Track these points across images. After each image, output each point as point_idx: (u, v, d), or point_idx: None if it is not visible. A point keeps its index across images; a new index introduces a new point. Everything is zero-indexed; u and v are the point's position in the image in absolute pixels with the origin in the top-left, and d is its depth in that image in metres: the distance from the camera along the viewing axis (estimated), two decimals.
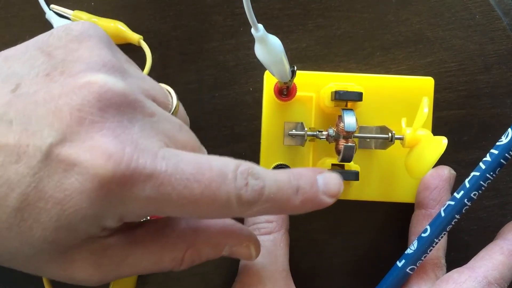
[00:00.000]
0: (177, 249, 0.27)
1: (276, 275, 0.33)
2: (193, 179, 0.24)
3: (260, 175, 0.26)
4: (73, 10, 0.37)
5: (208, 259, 0.29)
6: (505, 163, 0.31)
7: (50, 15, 0.37)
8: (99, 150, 0.23)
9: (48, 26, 0.37)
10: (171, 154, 0.24)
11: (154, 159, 0.23)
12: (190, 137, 0.28)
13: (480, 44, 0.38)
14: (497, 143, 0.31)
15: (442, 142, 0.31)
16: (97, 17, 0.37)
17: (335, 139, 0.34)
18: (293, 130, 0.36)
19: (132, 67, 0.28)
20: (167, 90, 0.30)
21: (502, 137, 0.31)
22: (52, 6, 0.38)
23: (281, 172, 0.27)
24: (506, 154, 0.31)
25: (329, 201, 0.28)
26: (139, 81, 0.27)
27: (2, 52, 0.26)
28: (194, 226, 0.28)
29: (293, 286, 0.34)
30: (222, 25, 0.38)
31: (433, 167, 0.33)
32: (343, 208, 0.38)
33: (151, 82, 0.28)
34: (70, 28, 0.26)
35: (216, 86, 0.38)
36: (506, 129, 0.31)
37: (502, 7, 0.38)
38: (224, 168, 0.25)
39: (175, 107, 0.29)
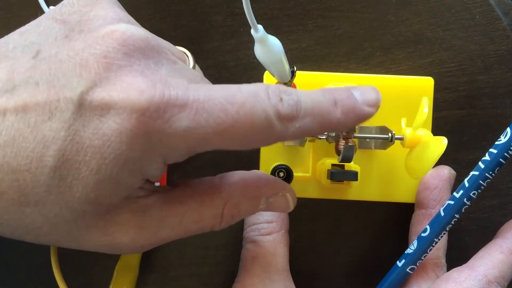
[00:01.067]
0: (215, 205, 0.27)
1: (276, 275, 0.33)
2: (226, 101, 0.23)
3: (292, 92, 0.25)
4: None
5: (247, 215, 0.29)
6: (504, 162, 0.31)
7: None
8: (131, 88, 0.22)
9: None
10: (199, 86, 0.24)
11: (185, 91, 0.23)
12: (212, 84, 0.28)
13: (480, 44, 0.38)
14: (496, 143, 0.31)
15: (442, 142, 0.31)
16: None
17: (335, 139, 0.34)
18: None
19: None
20: (183, 51, 0.30)
21: (501, 136, 0.31)
22: (52, 7, 0.38)
23: (313, 90, 0.26)
24: (505, 153, 0.31)
25: (370, 110, 0.27)
26: (157, 37, 0.27)
27: (18, 29, 0.26)
28: (229, 182, 0.28)
29: (293, 286, 0.34)
30: (222, 25, 0.38)
31: (433, 167, 0.33)
32: (343, 208, 0.38)
33: (166, 41, 0.28)
34: None
35: None
36: (506, 129, 0.31)
37: (502, 7, 0.38)
38: (254, 89, 0.24)
39: (193, 66, 0.30)
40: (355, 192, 0.37)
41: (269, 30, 0.29)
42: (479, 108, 0.38)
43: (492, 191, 0.38)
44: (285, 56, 0.30)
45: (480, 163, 0.32)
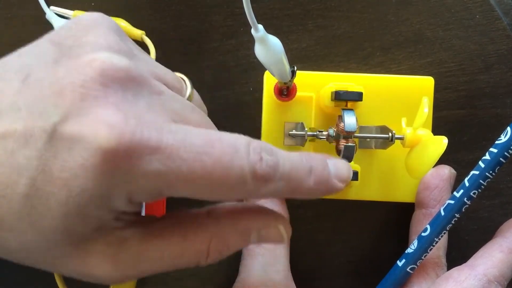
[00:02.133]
0: (199, 240, 0.26)
1: (277, 275, 0.33)
2: (203, 151, 0.23)
3: (273, 152, 0.25)
4: (73, 10, 0.37)
5: (236, 249, 0.27)
6: (504, 161, 0.31)
7: (50, 16, 0.37)
8: (102, 123, 0.22)
9: (48, 26, 0.37)
10: (178, 128, 0.23)
11: (160, 132, 0.23)
12: (203, 118, 0.28)
13: (480, 44, 0.38)
14: (496, 142, 0.31)
15: (442, 142, 0.31)
16: None
17: (335, 139, 0.34)
18: (293, 130, 0.36)
19: (142, 54, 0.27)
20: (181, 78, 0.29)
21: (501, 135, 0.31)
22: (52, 7, 0.38)
23: (293, 153, 0.26)
24: (505, 153, 0.31)
25: (341, 185, 0.27)
26: (148, 65, 0.26)
27: (19, 49, 0.26)
28: (216, 214, 0.27)
29: (293, 286, 0.34)
30: (222, 25, 0.38)
31: (433, 167, 0.33)
32: (343, 208, 0.38)
33: (164, 68, 0.28)
34: (80, 18, 0.26)
35: (216, 86, 0.38)
36: (506, 129, 0.31)
37: (502, 7, 0.38)
38: (236, 142, 0.24)
39: (189, 94, 0.29)
40: (355, 192, 0.37)
41: (269, 30, 0.29)
42: (479, 108, 0.38)
43: (492, 190, 0.38)
44: (285, 56, 0.30)
45: (480, 163, 0.32)
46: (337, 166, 0.27)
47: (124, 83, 0.23)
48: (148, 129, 0.22)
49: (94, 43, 0.24)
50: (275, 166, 0.24)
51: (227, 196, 0.25)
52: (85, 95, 0.22)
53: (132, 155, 0.22)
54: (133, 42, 0.27)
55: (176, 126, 0.24)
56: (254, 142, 0.25)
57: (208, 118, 0.28)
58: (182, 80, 0.29)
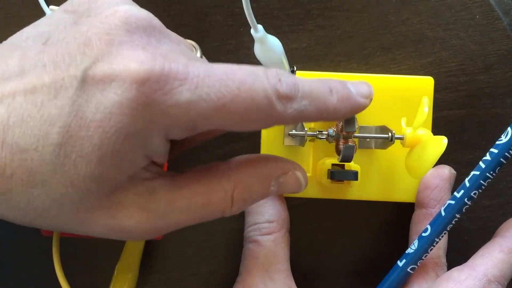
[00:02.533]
0: (224, 188, 0.27)
1: (278, 275, 0.33)
2: (226, 78, 0.24)
3: (291, 75, 0.26)
4: None
5: (259, 198, 0.28)
6: (505, 162, 0.31)
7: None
8: (131, 60, 0.23)
9: None
10: (200, 63, 0.24)
11: (186, 65, 0.24)
12: None
13: (480, 44, 0.38)
14: (497, 142, 0.31)
15: (442, 142, 0.31)
16: None
17: (335, 139, 0.34)
18: (293, 130, 0.36)
19: None
20: (192, 44, 0.31)
21: (502, 136, 0.31)
22: (51, 7, 0.38)
23: (309, 78, 0.27)
24: (506, 153, 0.31)
25: (364, 101, 0.28)
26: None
27: (32, 23, 0.27)
28: (237, 164, 0.28)
29: (294, 286, 0.34)
30: (222, 25, 0.38)
31: (433, 167, 0.33)
32: (343, 208, 0.38)
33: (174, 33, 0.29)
34: None
35: None
36: (506, 129, 0.31)
37: (502, 7, 0.38)
38: (254, 70, 0.25)
39: (201, 55, 0.30)
40: (355, 191, 0.37)
41: (269, 30, 0.29)
42: (479, 108, 0.38)
43: (492, 191, 0.38)
44: (285, 56, 0.30)
45: (481, 163, 0.32)
46: (356, 85, 0.28)
47: (147, 30, 0.25)
48: (175, 63, 0.23)
49: (110, 1, 0.25)
50: (295, 85, 0.25)
51: (258, 120, 0.25)
52: (112, 41, 0.23)
53: (163, 86, 0.23)
54: None
55: (197, 62, 0.25)
56: (271, 69, 0.26)
57: None
58: (192, 46, 0.31)
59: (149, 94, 0.23)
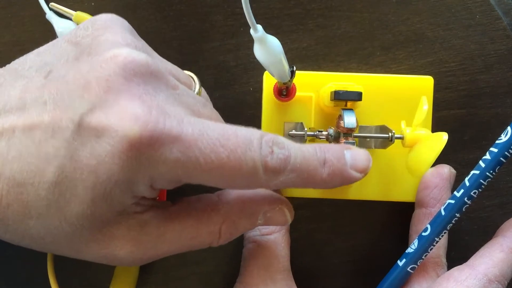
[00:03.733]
0: (213, 222, 0.28)
1: (278, 275, 0.33)
2: (219, 144, 0.25)
3: (285, 145, 0.26)
4: (73, 10, 0.37)
5: (245, 231, 0.29)
6: (504, 161, 0.31)
7: (50, 15, 0.37)
8: (127, 113, 0.23)
9: (48, 26, 0.37)
10: (196, 121, 0.25)
11: (181, 123, 0.24)
12: (214, 113, 0.29)
13: (480, 44, 0.38)
14: (497, 141, 0.31)
15: (442, 138, 0.31)
16: None
17: (335, 138, 0.34)
18: (293, 130, 0.36)
19: (154, 53, 0.29)
20: (190, 75, 0.31)
21: (502, 135, 0.31)
22: (51, 4, 0.38)
23: (307, 145, 0.27)
24: (506, 152, 0.31)
25: (358, 176, 0.28)
26: (163, 62, 0.28)
27: (36, 50, 0.27)
28: (227, 199, 0.29)
29: (294, 286, 0.34)
30: (222, 25, 0.38)
31: (433, 166, 0.33)
32: (343, 208, 0.38)
33: (174, 65, 0.29)
34: (95, 19, 0.27)
35: (216, 86, 0.38)
36: (506, 128, 0.31)
37: (502, 7, 0.38)
38: (249, 136, 0.25)
39: (198, 91, 0.30)
40: (355, 191, 0.37)
41: (269, 29, 0.29)
42: (479, 108, 0.38)
43: (492, 190, 0.38)
44: (285, 56, 0.30)
45: (481, 162, 0.32)
46: (355, 156, 0.28)
47: (145, 77, 0.25)
48: (169, 120, 0.24)
49: (112, 40, 0.26)
50: (286, 159, 0.26)
51: (240, 185, 0.26)
52: (110, 88, 0.24)
53: (155, 143, 0.24)
54: (143, 41, 0.28)
55: (193, 118, 0.25)
56: (267, 136, 0.26)
57: (217, 113, 0.30)
58: (191, 78, 0.31)
59: (139, 150, 0.23)
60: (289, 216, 0.30)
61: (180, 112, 0.25)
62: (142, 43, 0.28)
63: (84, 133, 0.23)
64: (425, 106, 0.33)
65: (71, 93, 0.24)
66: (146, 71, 0.25)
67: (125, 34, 0.27)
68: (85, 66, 0.25)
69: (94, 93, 0.24)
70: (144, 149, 0.23)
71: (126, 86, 0.24)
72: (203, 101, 0.29)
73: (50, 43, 0.28)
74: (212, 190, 0.28)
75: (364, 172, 0.29)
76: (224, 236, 0.28)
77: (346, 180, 0.28)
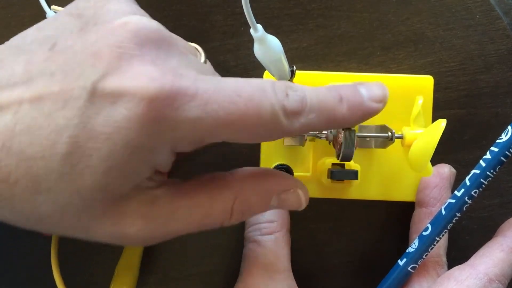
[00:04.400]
0: (225, 199, 0.27)
1: (279, 275, 0.33)
2: (235, 94, 0.24)
3: (298, 88, 0.26)
4: None
5: (258, 212, 0.29)
6: (505, 160, 0.31)
7: (50, 15, 0.37)
8: (142, 76, 0.23)
9: None
10: (209, 78, 0.25)
11: (196, 81, 0.24)
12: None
13: (480, 44, 0.38)
14: (497, 141, 0.31)
15: (440, 124, 0.31)
16: None
17: (334, 136, 0.34)
18: None
19: None
20: (195, 47, 0.30)
21: (502, 134, 0.31)
22: (53, 7, 0.38)
23: (319, 87, 0.27)
24: (506, 152, 0.31)
25: (377, 105, 0.27)
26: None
27: (35, 25, 0.26)
28: (240, 176, 0.28)
29: (295, 286, 0.34)
30: (222, 25, 0.38)
31: (433, 166, 0.33)
32: (343, 208, 0.38)
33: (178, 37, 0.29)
34: None
35: None
36: (507, 128, 0.31)
37: (502, 7, 0.38)
38: (262, 84, 0.25)
39: (204, 61, 0.30)
40: (355, 191, 0.37)
41: (269, 29, 0.29)
42: (479, 108, 0.38)
43: (493, 190, 0.38)
44: (285, 55, 0.30)
45: (481, 162, 0.32)
46: (369, 88, 0.28)
47: (157, 42, 0.25)
48: (184, 79, 0.24)
49: (118, 9, 0.25)
50: (302, 100, 0.25)
51: (263, 135, 0.26)
52: (122, 54, 0.23)
53: (173, 103, 0.23)
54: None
55: (206, 76, 0.25)
56: (279, 82, 0.26)
57: None
58: (196, 49, 0.30)
59: (158, 110, 0.23)
60: (304, 200, 0.30)
61: (192, 73, 0.25)
62: (146, 14, 0.27)
63: (98, 100, 0.23)
64: (420, 101, 0.33)
65: (81, 63, 0.23)
66: (158, 37, 0.25)
67: (129, 3, 0.26)
68: (93, 35, 0.24)
69: (106, 60, 0.23)
70: (162, 109, 0.23)
71: (139, 52, 0.24)
72: (212, 70, 0.29)
73: (50, 17, 0.27)
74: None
75: (383, 101, 0.28)
76: (236, 214, 0.27)
77: (367, 112, 0.27)
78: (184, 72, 0.24)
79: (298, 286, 0.34)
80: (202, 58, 0.30)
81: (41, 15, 0.37)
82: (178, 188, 0.27)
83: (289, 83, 0.26)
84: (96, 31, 0.24)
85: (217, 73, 0.30)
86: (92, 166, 0.23)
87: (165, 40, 0.25)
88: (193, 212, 0.26)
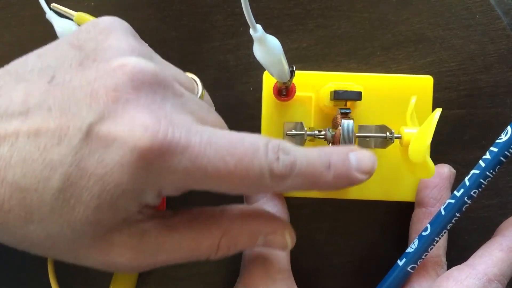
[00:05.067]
0: (212, 236, 0.28)
1: (278, 275, 0.33)
2: (227, 152, 0.25)
3: (291, 151, 0.26)
4: (73, 10, 0.37)
5: (243, 249, 0.29)
6: (504, 160, 0.31)
7: (50, 15, 0.37)
8: (137, 124, 0.23)
9: (48, 26, 0.37)
10: (203, 129, 0.25)
11: (189, 132, 0.24)
12: (218, 118, 0.30)
13: (480, 44, 0.38)
14: (497, 141, 0.31)
15: (436, 113, 0.30)
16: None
17: (332, 135, 0.34)
18: (293, 130, 0.36)
19: (157, 56, 0.29)
20: (192, 78, 0.31)
21: (502, 134, 0.31)
22: (53, 5, 0.38)
23: (312, 149, 0.27)
24: (506, 152, 0.31)
25: (363, 177, 0.28)
26: (166, 66, 0.28)
27: (35, 51, 0.27)
28: (229, 214, 0.29)
29: (294, 286, 0.34)
30: (222, 25, 0.38)
31: (434, 165, 0.33)
32: (343, 208, 0.38)
33: (176, 69, 0.29)
34: (97, 22, 0.27)
35: (216, 86, 0.38)
36: (506, 128, 0.31)
37: (502, 7, 0.38)
38: (255, 143, 0.25)
39: (201, 94, 0.30)
40: (355, 191, 0.37)
41: (269, 29, 0.29)
42: (479, 108, 0.38)
43: (492, 190, 0.38)
44: (284, 56, 0.30)
45: (481, 162, 0.32)
46: (359, 158, 0.28)
47: (152, 86, 0.25)
48: (178, 129, 0.24)
49: (117, 47, 0.26)
50: (292, 165, 0.26)
51: (246, 190, 0.27)
52: (118, 98, 0.24)
53: (164, 153, 0.24)
54: (146, 44, 0.28)
55: (201, 127, 0.25)
56: (273, 141, 0.26)
57: (221, 118, 0.30)
58: (193, 81, 0.31)
59: (149, 160, 0.23)
60: (289, 242, 0.30)
61: (187, 120, 0.25)
62: (146, 47, 0.28)
63: (92, 142, 0.23)
64: (413, 100, 0.33)
65: (77, 101, 0.24)
66: (154, 80, 0.25)
67: (129, 40, 0.26)
68: (91, 73, 0.25)
69: (102, 102, 0.24)
70: (153, 159, 0.23)
71: (135, 96, 0.24)
72: (207, 107, 0.29)
73: (51, 44, 0.27)
74: (214, 198, 0.28)
75: (369, 173, 0.28)
76: (222, 250, 0.28)
77: (351, 182, 0.28)
78: (178, 119, 0.25)
79: (298, 286, 0.34)
80: (199, 91, 0.30)
81: (41, 15, 0.38)
82: (167, 222, 0.27)
83: (283, 143, 0.26)
84: (94, 69, 0.25)
85: (212, 109, 0.30)
86: (84, 202, 0.24)
87: (161, 83, 0.25)
88: (181, 246, 0.27)
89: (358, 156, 0.28)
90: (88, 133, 0.23)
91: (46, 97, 0.24)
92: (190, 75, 0.31)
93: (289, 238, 0.30)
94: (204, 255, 0.28)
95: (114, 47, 0.26)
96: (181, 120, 0.25)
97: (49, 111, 0.24)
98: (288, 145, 0.27)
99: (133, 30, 0.28)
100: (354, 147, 0.29)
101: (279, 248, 0.30)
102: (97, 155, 0.23)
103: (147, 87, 0.25)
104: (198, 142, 0.24)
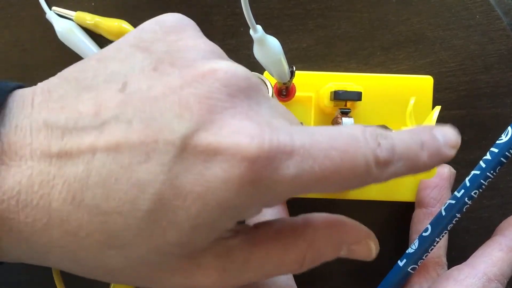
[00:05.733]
0: (298, 249, 0.25)
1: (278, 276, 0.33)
2: (330, 147, 0.22)
3: (387, 135, 0.24)
4: (73, 10, 0.37)
5: (326, 260, 0.27)
6: (505, 161, 0.31)
7: (50, 15, 0.37)
8: (241, 134, 0.21)
9: (48, 26, 0.37)
10: (301, 129, 0.23)
11: (291, 135, 0.22)
12: (293, 115, 0.28)
13: (480, 44, 0.38)
14: (497, 142, 0.31)
15: (435, 110, 0.30)
16: (100, 17, 0.37)
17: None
18: None
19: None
20: (260, 78, 0.29)
21: (502, 135, 0.31)
22: (54, 8, 0.38)
23: (402, 131, 0.26)
24: (506, 153, 0.31)
25: (452, 152, 0.26)
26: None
27: (93, 55, 0.24)
28: (312, 224, 0.26)
29: (294, 286, 0.34)
30: (222, 25, 0.38)
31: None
32: (343, 208, 0.38)
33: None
34: (162, 20, 0.25)
35: None
36: (507, 128, 0.31)
37: (502, 7, 0.38)
38: (353, 133, 0.23)
39: (272, 95, 0.29)
40: (355, 191, 0.37)
41: (269, 30, 0.29)
42: (479, 108, 0.38)
43: (492, 190, 0.38)
44: (284, 56, 0.30)
45: (481, 162, 0.32)
46: (445, 133, 0.26)
47: (247, 92, 0.23)
48: (282, 134, 0.22)
49: (196, 48, 0.24)
50: (392, 149, 0.24)
51: (352, 185, 0.24)
52: (213, 107, 0.22)
53: (272, 162, 0.21)
54: None
55: (297, 128, 0.23)
56: (369, 128, 0.24)
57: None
58: (263, 81, 0.29)
59: (258, 172, 0.21)
60: (374, 252, 0.28)
61: (284, 123, 0.23)
62: (217, 46, 0.25)
63: (189, 157, 0.21)
64: (412, 101, 0.33)
65: (163, 111, 0.21)
66: (248, 85, 0.23)
67: (204, 39, 0.24)
68: (175, 79, 0.22)
69: (195, 112, 0.21)
70: (262, 171, 0.21)
71: (231, 104, 0.22)
72: (284, 107, 0.27)
73: (110, 47, 0.24)
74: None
75: (456, 148, 0.26)
76: (307, 264, 0.26)
77: (443, 159, 0.26)
78: (278, 124, 0.23)
79: (297, 286, 0.34)
80: (270, 90, 0.29)
81: (41, 15, 0.38)
82: (251, 237, 0.25)
83: (379, 129, 0.24)
84: (177, 75, 0.22)
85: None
86: (177, 223, 0.21)
87: (253, 87, 0.23)
88: (267, 262, 0.25)
89: (442, 131, 0.26)
90: (183, 148, 0.21)
91: (122, 109, 0.21)
92: (257, 74, 0.29)
93: (374, 248, 0.28)
94: (289, 270, 0.26)
95: (192, 48, 0.24)
96: (280, 124, 0.23)
97: (129, 123, 0.21)
98: (382, 130, 0.25)
99: (199, 29, 0.26)
100: (431, 125, 0.27)
101: (363, 257, 0.28)
102: (195, 171, 0.21)
103: (242, 93, 0.23)
104: (302, 143, 0.22)
